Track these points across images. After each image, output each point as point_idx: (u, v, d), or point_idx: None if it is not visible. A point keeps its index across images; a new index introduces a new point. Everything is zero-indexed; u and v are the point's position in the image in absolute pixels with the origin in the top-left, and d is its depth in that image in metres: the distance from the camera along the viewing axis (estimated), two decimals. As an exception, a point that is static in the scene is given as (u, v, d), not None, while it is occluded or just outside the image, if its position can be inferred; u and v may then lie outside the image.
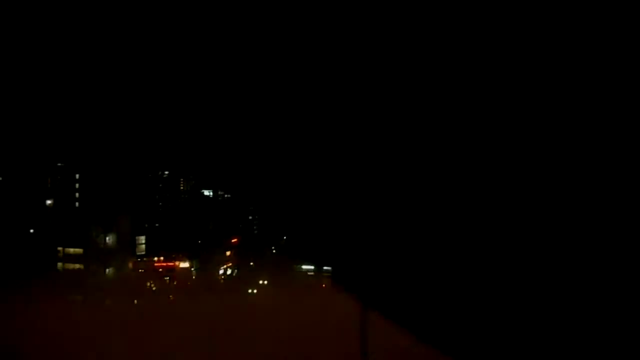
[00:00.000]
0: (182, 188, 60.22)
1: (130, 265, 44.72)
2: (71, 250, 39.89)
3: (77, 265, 39.69)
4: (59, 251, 39.79)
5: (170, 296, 46.36)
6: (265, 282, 52.49)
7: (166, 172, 58.02)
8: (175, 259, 51.09)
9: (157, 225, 56.25)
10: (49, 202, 41.27)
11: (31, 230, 40.69)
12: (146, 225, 53.36)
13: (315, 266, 56.45)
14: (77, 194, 41.72)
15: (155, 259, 50.87)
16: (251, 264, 60.54)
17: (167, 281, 50.19)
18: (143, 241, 53.66)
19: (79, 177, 41.76)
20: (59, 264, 39.69)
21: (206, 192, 62.28)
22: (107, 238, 40.61)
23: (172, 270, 51.16)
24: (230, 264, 60.71)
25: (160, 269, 50.78)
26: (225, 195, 64.15)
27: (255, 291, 49.17)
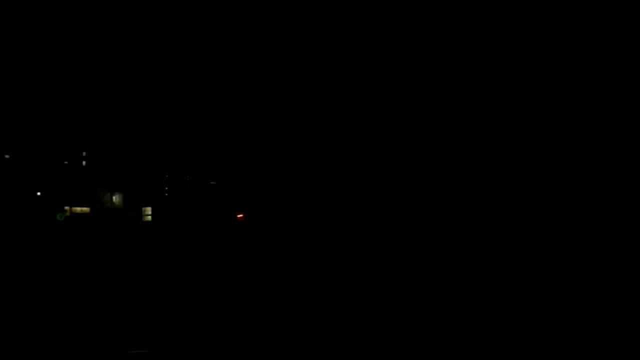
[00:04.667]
0: (187, 178, 60.27)
1: (137, 234, 44.67)
2: (78, 209, 39.76)
3: (84, 224, 39.57)
4: (65, 210, 39.65)
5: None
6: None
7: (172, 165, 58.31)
8: (181, 230, 50.97)
9: (163, 202, 56.22)
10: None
11: (38, 193, 40.68)
12: (153, 198, 53.41)
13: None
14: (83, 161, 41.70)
15: (162, 228, 50.81)
16: (257, 240, 60.51)
17: (173, 250, 50.11)
18: (149, 212, 53.50)
19: (86, 154, 41.82)
20: (66, 223, 39.58)
21: (212, 183, 62.36)
22: (114, 197, 40.47)
23: (178, 241, 51.05)
24: (235, 239, 60.61)
25: (167, 239, 50.69)
26: (230, 184, 64.16)
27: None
